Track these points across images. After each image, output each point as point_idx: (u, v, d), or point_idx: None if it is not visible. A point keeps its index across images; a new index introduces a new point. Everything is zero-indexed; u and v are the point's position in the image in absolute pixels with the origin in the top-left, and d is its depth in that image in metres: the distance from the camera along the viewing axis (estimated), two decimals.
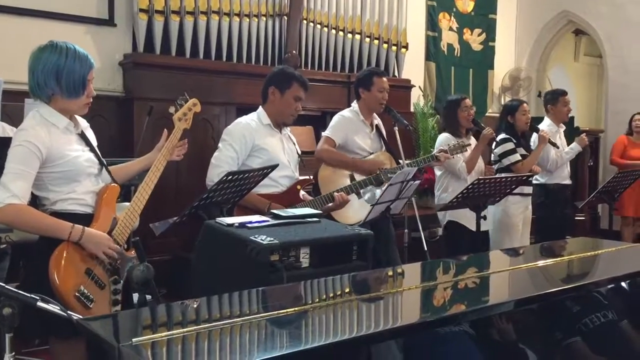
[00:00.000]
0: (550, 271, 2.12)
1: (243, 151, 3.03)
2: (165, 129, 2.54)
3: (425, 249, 3.78)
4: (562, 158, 4.72)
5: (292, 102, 3.15)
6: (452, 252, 4.18)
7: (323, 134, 3.74)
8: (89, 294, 2.11)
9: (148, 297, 2.14)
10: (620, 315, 1.94)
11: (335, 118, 3.74)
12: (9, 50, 4.23)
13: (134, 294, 2.32)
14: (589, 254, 2.34)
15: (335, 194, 3.22)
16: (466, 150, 4.01)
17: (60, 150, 2.16)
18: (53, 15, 4.42)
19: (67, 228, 2.11)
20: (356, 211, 3.49)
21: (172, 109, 2.55)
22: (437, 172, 4.33)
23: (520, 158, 4.38)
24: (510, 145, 4.40)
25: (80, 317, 1.49)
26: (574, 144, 4.78)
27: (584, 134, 4.83)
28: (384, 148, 3.78)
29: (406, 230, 3.75)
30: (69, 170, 2.18)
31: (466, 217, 4.02)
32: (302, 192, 3.25)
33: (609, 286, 1.96)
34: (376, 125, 3.78)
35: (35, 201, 2.23)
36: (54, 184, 2.18)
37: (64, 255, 2.10)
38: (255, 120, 3.15)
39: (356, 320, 1.58)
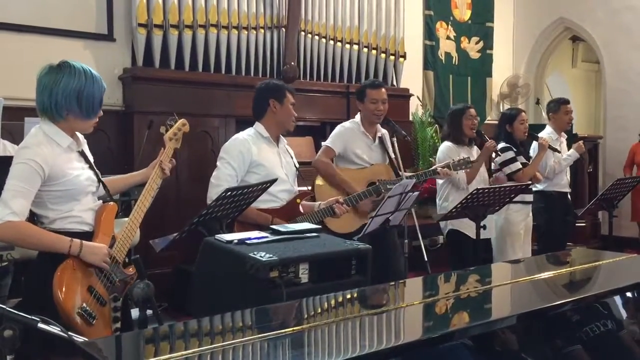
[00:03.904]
0: (553, 283, 2.12)
1: (241, 168, 3.05)
2: (162, 148, 2.58)
3: (426, 258, 3.78)
4: (560, 165, 4.70)
5: (291, 108, 3.24)
6: (455, 261, 4.19)
7: (323, 143, 3.80)
8: (91, 311, 2.13)
9: (149, 312, 2.15)
10: (623, 326, 1.94)
11: (336, 129, 3.84)
12: (9, 67, 4.25)
13: (132, 310, 2.34)
14: (589, 265, 2.34)
15: (336, 205, 3.22)
16: (470, 166, 4.01)
17: (62, 169, 2.18)
18: (52, 31, 4.45)
19: (67, 242, 2.13)
20: (354, 219, 3.53)
21: (162, 129, 2.63)
22: (439, 181, 4.34)
23: (520, 167, 4.39)
24: (510, 154, 4.41)
25: (83, 339, 1.49)
26: (571, 151, 4.78)
27: (582, 140, 4.83)
28: (387, 161, 3.80)
29: (406, 240, 3.76)
30: (70, 189, 2.20)
31: (468, 226, 4.04)
32: (303, 202, 3.27)
33: (612, 297, 1.97)
34: (379, 137, 3.82)
35: (32, 219, 2.24)
36: (54, 202, 2.19)
37: (68, 273, 2.12)
38: (252, 136, 3.17)
39: (359, 337, 1.58)
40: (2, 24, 4.28)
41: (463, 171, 4.11)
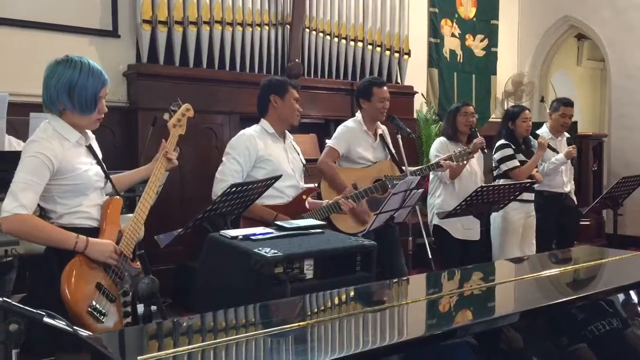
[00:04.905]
0: (557, 281, 2.11)
1: (247, 163, 3.06)
2: (163, 139, 2.54)
3: (430, 256, 3.78)
4: (543, 169, 4.58)
5: (293, 103, 3.24)
6: (441, 259, 4.13)
7: (327, 144, 3.79)
8: (101, 308, 2.12)
9: (153, 307, 2.15)
10: (629, 324, 1.94)
11: (339, 129, 3.81)
12: (13, 63, 4.25)
13: (138, 305, 2.34)
14: (593, 263, 2.34)
15: (342, 201, 3.22)
16: (472, 157, 4.00)
17: (71, 163, 2.18)
18: (57, 27, 4.45)
19: (73, 238, 2.13)
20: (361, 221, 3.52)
21: (166, 116, 2.57)
22: (431, 177, 4.32)
23: (518, 164, 4.36)
24: (509, 151, 4.39)
25: (87, 333, 1.49)
26: (560, 155, 4.61)
27: (573, 146, 4.74)
28: (388, 157, 3.80)
29: (410, 238, 3.76)
30: (79, 184, 2.20)
31: (450, 223, 4.04)
32: (309, 199, 3.26)
33: (617, 295, 1.96)
34: (380, 135, 3.81)
35: (40, 214, 2.24)
36: (63, 196, 2.19)
37: (75, 271, 2.10)
38: (257, 132, 3.18)
39: (362, 333, 1.58)
40: (6, 20, 4.28)
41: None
